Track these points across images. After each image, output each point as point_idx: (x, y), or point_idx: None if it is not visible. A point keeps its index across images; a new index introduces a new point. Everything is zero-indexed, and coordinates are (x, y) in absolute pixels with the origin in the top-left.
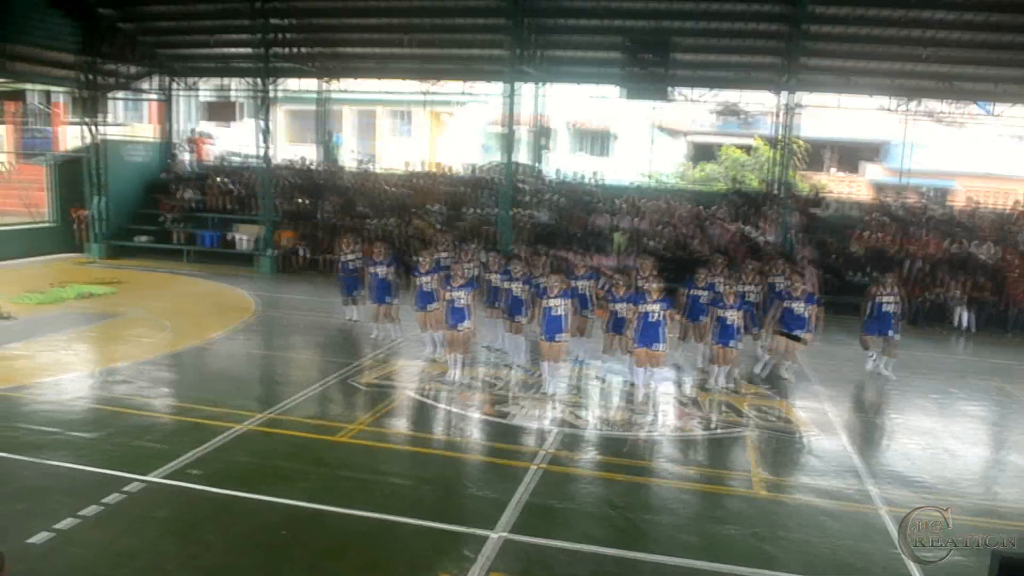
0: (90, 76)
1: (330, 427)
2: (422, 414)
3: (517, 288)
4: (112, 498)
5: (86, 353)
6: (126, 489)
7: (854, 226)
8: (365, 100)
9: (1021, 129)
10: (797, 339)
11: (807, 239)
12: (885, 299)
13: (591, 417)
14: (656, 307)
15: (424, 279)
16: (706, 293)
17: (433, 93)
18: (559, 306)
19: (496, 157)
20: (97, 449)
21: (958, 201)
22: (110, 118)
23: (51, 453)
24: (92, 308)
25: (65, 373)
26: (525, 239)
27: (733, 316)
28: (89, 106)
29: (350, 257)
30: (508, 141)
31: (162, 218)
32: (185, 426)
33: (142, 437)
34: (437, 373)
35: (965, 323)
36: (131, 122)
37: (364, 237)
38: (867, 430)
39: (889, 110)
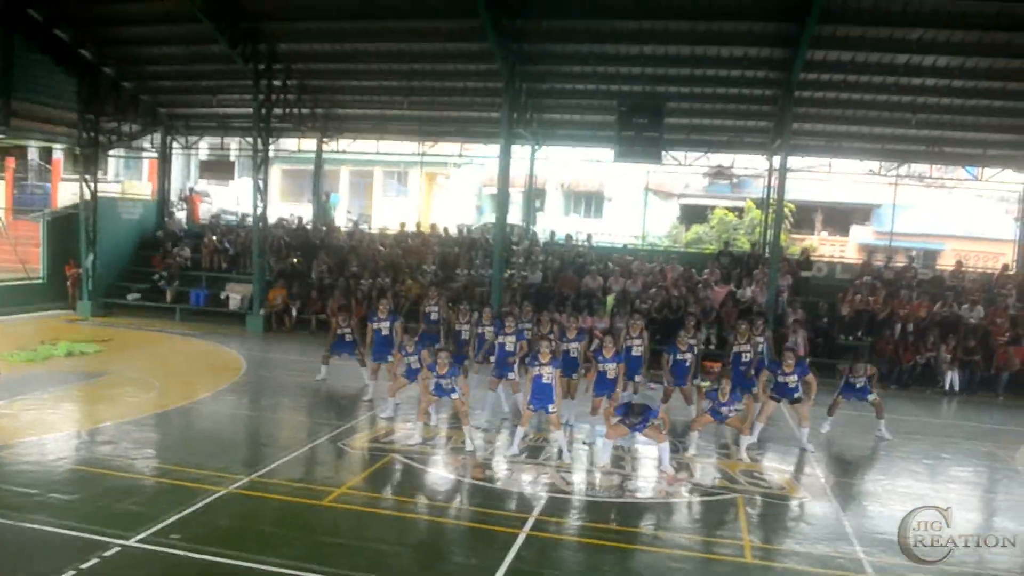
0: (91, 133)
1: (316, 491)
2: (410, 478)
3: (510, 343)
4: (90, 562)
5: (71, 412)
6: (104, 553)
7: (844, 288)
8: (361, 160)
9: (1008, 192)
10: (799, 400)
11: (797, 301)
12: (858, 380)
13: (580, 482)
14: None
15: (411, 358)
16: (690, 356)
17: (429, 155)
18: (549, 375)
19: (490, 218)
20: (77, 511)
21: (947, 263)
22: (110, 175)
23: (30, 515)
24: (80, 366)
25: (48, 433)
26: (517, 300)
27: (729, 410)
28: (88, 162)
29: (346, 331)
30: (502, 202)
31: (156, 276)
32: (168, 488)
33: (123, 499)
34: (427, 437)
35: (955, 385)
36: (130, 179)
37: (358, 300)
38: (858, 495)
39: (878, 174)
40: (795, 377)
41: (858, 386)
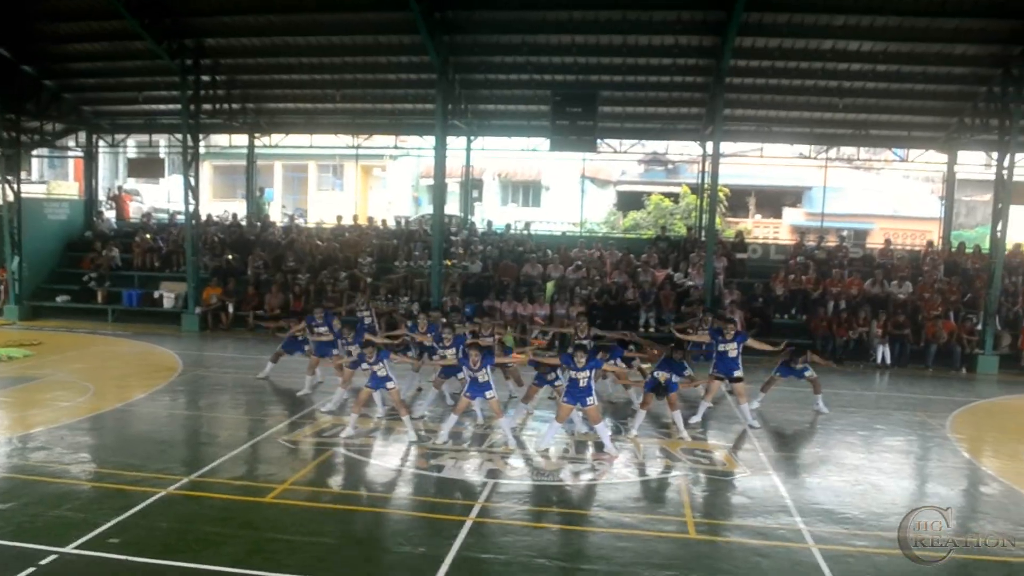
0: (11, 133)
1: (257, 488)
2: (353, 470)
3: (450, 355)
4: (25, 572)
5: (0, 419)
6: (41, 563)
7: (777, 269)
8: (295, 154)
9: (933, 172)
10: (740, 379)
11: (733, 283)
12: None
13: (524, 467)
14: (584, 374)
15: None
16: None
17: (364, 147)
18: (483, 374)
19: (427, 209)
20: (10, 521)
21: (876, 242)
22: (34, 175)
23: None
24: (8, 372)
25: None
26: (457, 290)
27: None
28: (9, 163)
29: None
30: (439, 193)
31: (85, 277)
32: (105, 493)
33: (59, 506)
34: (368, 429)
35: (887, 359)
36: (56, 179)
37: (296, 295)
38: (796, 468)
39: (808, 157)
40: (735, 346)
41: (797, 367)
